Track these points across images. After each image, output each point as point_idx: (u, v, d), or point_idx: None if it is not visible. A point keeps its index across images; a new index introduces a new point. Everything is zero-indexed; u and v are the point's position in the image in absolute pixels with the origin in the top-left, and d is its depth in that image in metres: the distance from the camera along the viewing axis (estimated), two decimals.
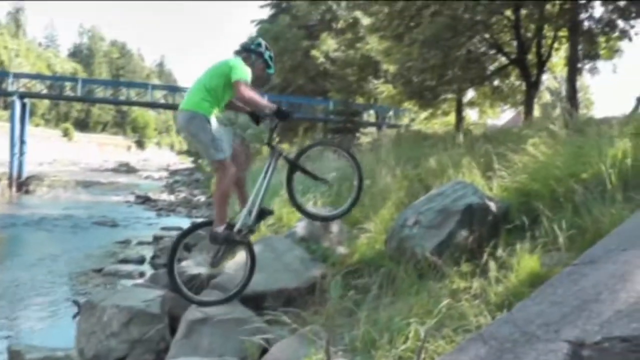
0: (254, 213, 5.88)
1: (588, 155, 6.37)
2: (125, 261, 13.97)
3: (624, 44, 20.14)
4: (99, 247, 16.37)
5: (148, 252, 14.96)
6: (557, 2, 19.29)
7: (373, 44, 30.14)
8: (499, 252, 5.20)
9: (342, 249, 7.49)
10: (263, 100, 5.74)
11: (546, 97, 35.69)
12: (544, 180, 6.28)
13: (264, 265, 6.15)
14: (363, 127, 35.69)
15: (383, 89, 30.85)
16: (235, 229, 5.73)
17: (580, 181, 5.85)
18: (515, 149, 7.65)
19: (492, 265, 4.95)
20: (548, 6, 19.68)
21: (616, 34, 18.70)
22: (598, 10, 18.75)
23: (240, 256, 6.64)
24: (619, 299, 2.43)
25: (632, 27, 18.06)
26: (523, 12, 19.93)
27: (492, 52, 21.97)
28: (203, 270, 7.14)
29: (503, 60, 22.01)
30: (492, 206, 6.25)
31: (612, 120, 7.95)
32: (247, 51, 5.93)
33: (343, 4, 39.92)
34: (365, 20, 31.40)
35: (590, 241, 4.34)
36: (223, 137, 5.61)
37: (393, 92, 27.55)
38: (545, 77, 25.32)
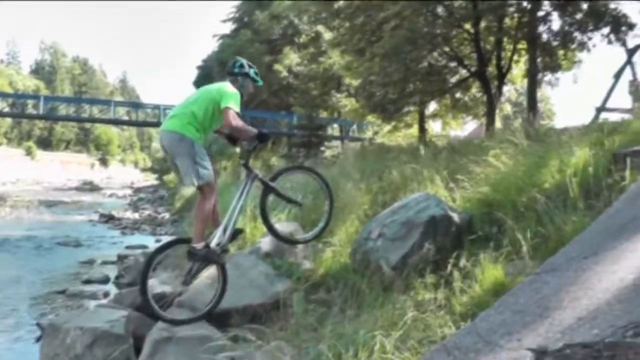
0: (229, 232, 5.87)
1: (549, 164, 6.45)
2: (89, 281, 13.71)
3: (583, 55, 20.49)
4: (62, 268, 16.07)
5: (112, 272, 14.72)
6: (516, 15, 19.57)
7: (335, 58, 30.36)
8: (463, 262, 5.22)
9: (307, 264, 7.46)
10: (248, 127, 5.78)
11: (507, 108, 36.23)
12: (506, 190, 6.34)
13: (229, 282, 6.10)
14: (327, 141, 35.83)
15: (346, 102, 31.13)
16: (210, 247, 5.70)
17: (542, 190, 5.91)
18: (477, 160, 7.71)
19: (456, 275, 4.97)
20: (507, 19, 19.99)
21: (574, 45, 18.99)
22: (556, 23, 19.05)
23: (207, 274, 6.59)
24: (580, 306, 2.45)
25: (590, 39, 18.37)
26: (482, 25, 20.16)
27: (453, 64, 22.17)
28: (168, 288, 7.07)
29: (464, 72, 22.20)
30: (455, 217, 6.28)
31: (572, 130, 8.04)
32: (233, 75, 5.95)
33: (305, 18, 39.98)
34: (327, 35, 31.64)
35: (553, 249, 4.38)
36: (206, 159, 5.60)
37: (356, 105, 27.79)
38: (506, 89, 25.67)
